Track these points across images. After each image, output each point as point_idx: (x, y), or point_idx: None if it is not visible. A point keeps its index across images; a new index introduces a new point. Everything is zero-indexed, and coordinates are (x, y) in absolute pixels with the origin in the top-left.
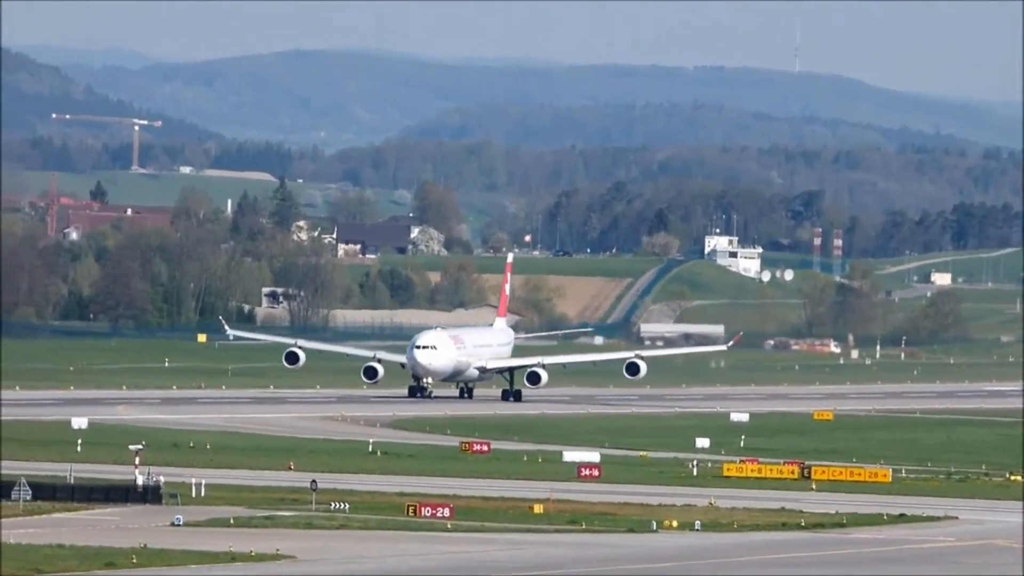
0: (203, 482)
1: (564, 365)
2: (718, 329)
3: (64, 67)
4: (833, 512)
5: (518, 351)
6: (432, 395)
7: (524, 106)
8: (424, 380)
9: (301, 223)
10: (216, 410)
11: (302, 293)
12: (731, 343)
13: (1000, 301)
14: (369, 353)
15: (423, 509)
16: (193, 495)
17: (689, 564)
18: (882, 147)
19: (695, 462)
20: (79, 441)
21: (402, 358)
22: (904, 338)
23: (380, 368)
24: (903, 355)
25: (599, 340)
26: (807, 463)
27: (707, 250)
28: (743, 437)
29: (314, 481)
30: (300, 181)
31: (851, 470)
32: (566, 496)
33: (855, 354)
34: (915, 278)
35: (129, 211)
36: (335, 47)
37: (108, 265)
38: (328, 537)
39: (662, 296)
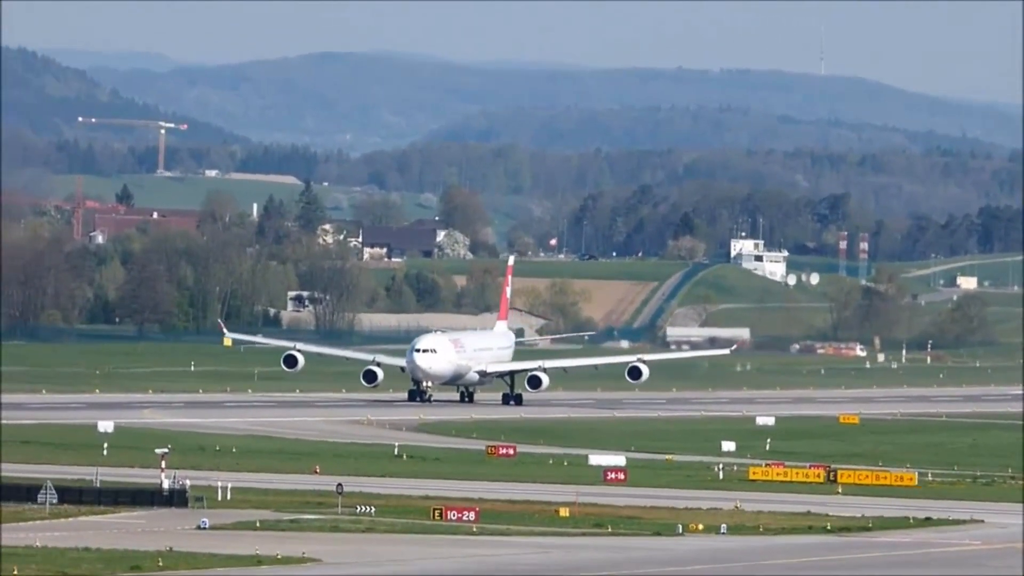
0: (229, 485)
1: (565, 369)
2: (744, 332)
3: (90, 70)
4: (859, 516)
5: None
6: (432, 399)
7: (550, 109)
8: (424, 384)
9: (327, 226)
10: (242, 414)
11: (327, 297)
12: (734, 347)
13: None
14: (369, 356)
15: (449, 513)
16: (219, 498)
17: (715, 567)
18: (908, 150)
19: (721, 465)
20: (105, 444)
21: (403, 362)
22: (930, 342)
23: (380, 372)
24: (929, 359)
25: (625, 344)
26: (833, 467)
27: (733, 254)
28: (769, 440)
29: (340, 484)
30: (326, 184)
31: (877, 474)
32: (592, 499)
33: (881, 358)
34: (941, 282)
35: (155, 214)
36: (361, 50)
37: (134, 268)
38: (354, 540)
39: (688, 300)
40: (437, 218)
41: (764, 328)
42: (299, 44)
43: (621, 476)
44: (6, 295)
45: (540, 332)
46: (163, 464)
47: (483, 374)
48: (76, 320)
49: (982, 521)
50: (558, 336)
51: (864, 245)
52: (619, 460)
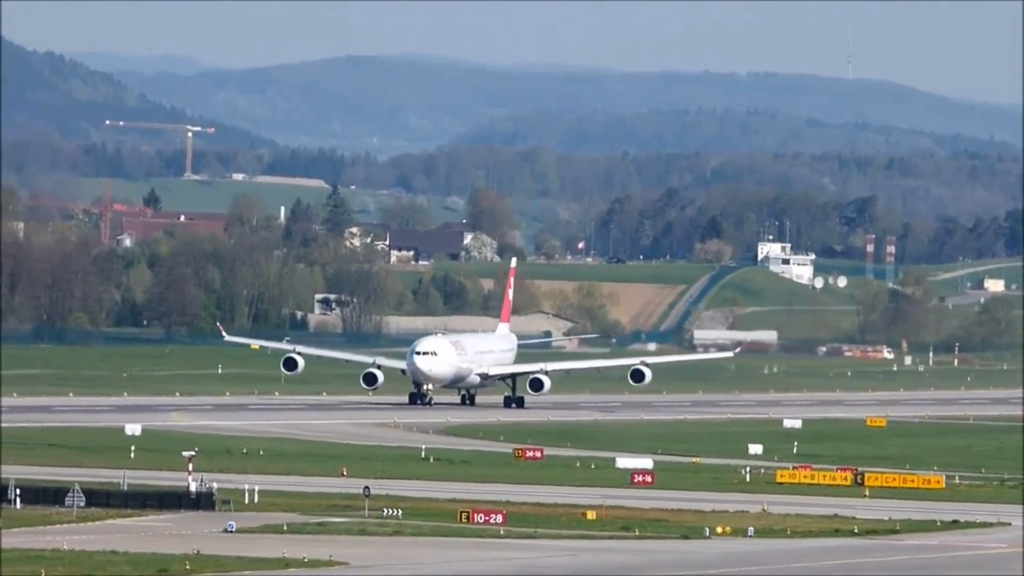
0: (256, 488)
1: (567, 371)
2: (771, 335)
3: (117, 74)
4: (886, 519)
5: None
6: (432, 402)
7: (577, 112)
8: (425, 387)
9: (354, 229)
10: (269, 416)
11: (355, 300)
12: (738, 350)
13: None
14: (369, 359)
15: (476, 515)
16: (246, 501)
17: (742, 570)
18: (935, 153)
19: (748, 468)
20: (132, 447)
21: (403, 364)
22: (957, 344)
23: (380, 374)
24: (956, 361)
25: (652, 347)
26: (860, 469)
27: (760, 257)
28: (796, 443)
29: (367, 487)
30: (353, 187)
31: (904, 476)
32: (619, 502)
33: (908, 360)
34: (968, 284)
35: (182, 218)
36: (388, 53)
37: (161, 272)
38: (381, 543)
39: (715, 303)
40: (464, 221)
41: (791, 331)
42: (326, 47)
43: (648, 479)
44: (33, 298)
45: (567, 334)
46: (190, 467)
47: (484, 377)
48: (103, 323)
49: (1009, 524)
50: (585, 336)
51: (891, 248)
52: (646, 463)
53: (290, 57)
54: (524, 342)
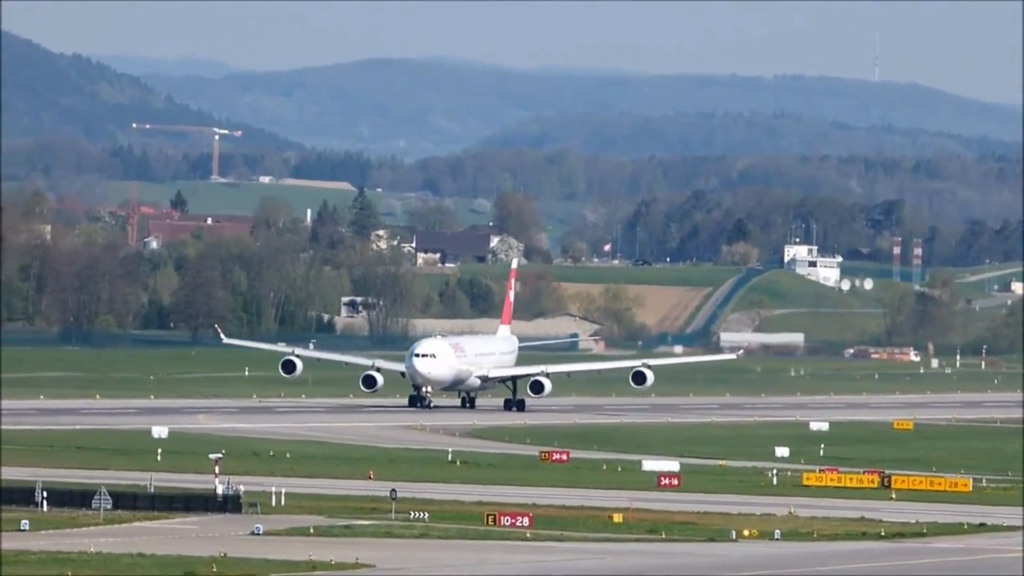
0: (283, 491)
1: (568, 374)
2: (798, 338)
3: (144, 76)
4: (913, 521)
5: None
6: (432, 405)
7: (603, 115)
8: (424, 389)
9: (380, 232)
10: (295, 419)
11: (381, 302)
12: (740, 352)
13: None
14: (368, 362)
15: (502, 518)
16: (273, 504)
17: (769, 573)
18: (962, 156)
19: (775, 471)
20: (159, 450)
21: (403, 367)
22: (984, 347)
23: (379, 377)
24: (983, 364)
25: (678, 349)
26: (887, 472)
27: (786, 259)
28: (823, 446)
29: (394, 490)
30: (379, 190)
31: (931, 479)
32: (646, 505)
33: (935, 363)
34: (995, 287)
35: (209, 220)
36: (415, 56)
37: (188, 274)
38: (407, 546)
39: (741, 305)
40: (491, 224)
41: (818, 333)
42: (352, 50)
43: (675, 481)
44: (60, 300)
45: (594, 337)
46: (217, 469)
47: (484, 379)
48: (130, 325)
49: None
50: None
51: (918, 250)
52: (673, 465)
53: (317, 60)
54: (526, 344)
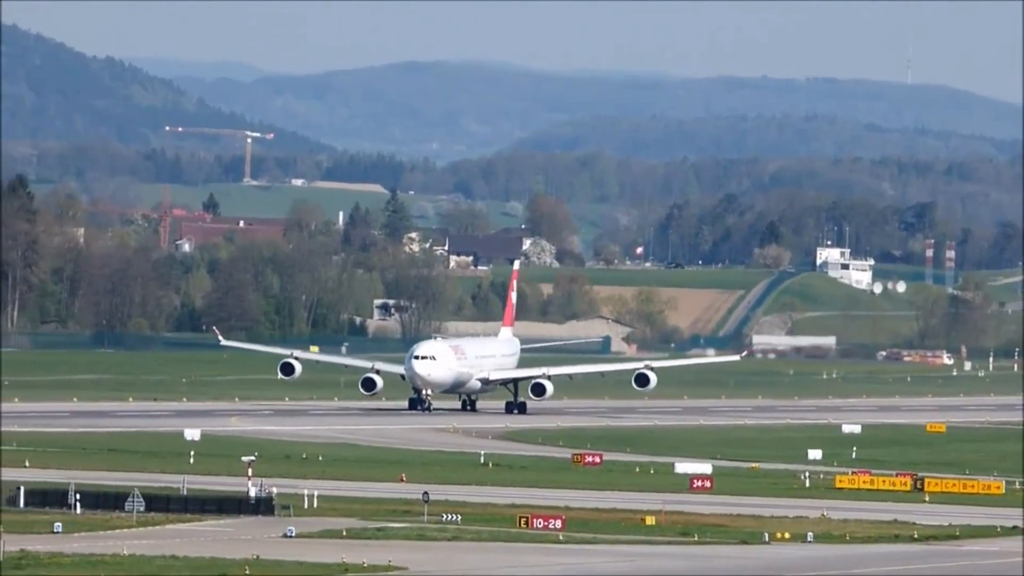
0: (315, 493)
1: (570, 376)
2: (830, 340)
3: (177, 80)
4: (946, 524)
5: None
6: (432, 407)
7: (636, 118)
8: (424, 392)
9: (413, 235)
10: (328, 422)
11: (413, 305)
12: (744, 353)
13: None
14: (367, 364)
15: (535, 521)
16: (305, 506)
17: (802, 575)
18: (995, 158)
19: (807, 474)
20: (192, 453)
21: (402, 369)
22: (1017, 350)
23: (379, 380)
24: (1016, 366)
25: (711, 352)
26: (920, 475)
27: (819, 262)
28: (855, 449)
29: (426, 493)
30: (411, 193)
31: (964, 482)
32: (678, 507)
33: (968, 366)
34: None
35: (241, 223)
36: (447, 59)
37: (220, 277)
38: (440, 549)
39: (774, 308)
40: (523, 226)
41: (850, 336)
42: (384, 53)
43: (707, 484)
44: (93, 303)
45: (626, 340)
46: (250, 472)
47: (485, 381)
48: (163, 328)
49: None
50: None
51: (951, 253)
52: (705, 468)
53: (349, 63)
54: (529, 346)
